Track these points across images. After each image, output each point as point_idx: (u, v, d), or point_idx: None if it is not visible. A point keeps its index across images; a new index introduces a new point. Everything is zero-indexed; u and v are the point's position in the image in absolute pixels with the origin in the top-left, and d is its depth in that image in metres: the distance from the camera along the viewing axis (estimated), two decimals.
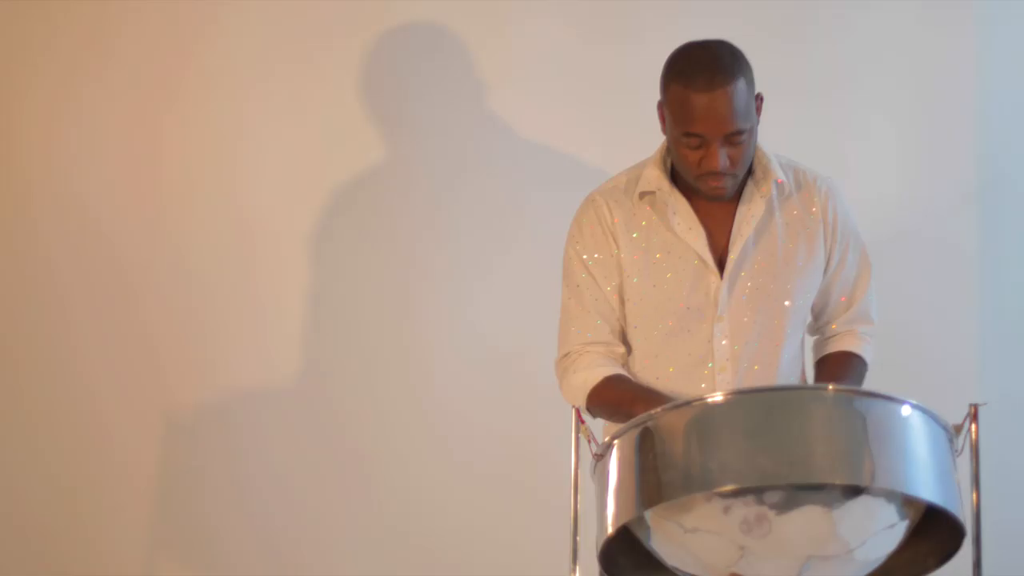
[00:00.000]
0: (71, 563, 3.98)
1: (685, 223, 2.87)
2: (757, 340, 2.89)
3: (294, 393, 4.00)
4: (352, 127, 3.96)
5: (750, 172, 2.89)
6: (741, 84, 2.74)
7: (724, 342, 2.88)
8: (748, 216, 2.87)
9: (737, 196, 2.89)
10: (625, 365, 2.93)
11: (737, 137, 2.76)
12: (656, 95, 3.93)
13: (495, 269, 3.98)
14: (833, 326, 3.04)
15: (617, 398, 2.84)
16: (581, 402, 2.89)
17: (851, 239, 2.98)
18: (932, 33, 3.99)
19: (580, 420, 2.65)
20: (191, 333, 3.98)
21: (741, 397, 2.47)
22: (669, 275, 2.88)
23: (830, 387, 2.51)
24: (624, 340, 2.94)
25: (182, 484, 4.00)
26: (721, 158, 2.76)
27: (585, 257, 2.91)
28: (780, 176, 2.88)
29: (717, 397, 2.46)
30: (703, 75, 2.74)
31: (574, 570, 2.59)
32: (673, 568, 2.59)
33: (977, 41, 3.98)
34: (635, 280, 2.89)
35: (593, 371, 2.89)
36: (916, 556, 2.63)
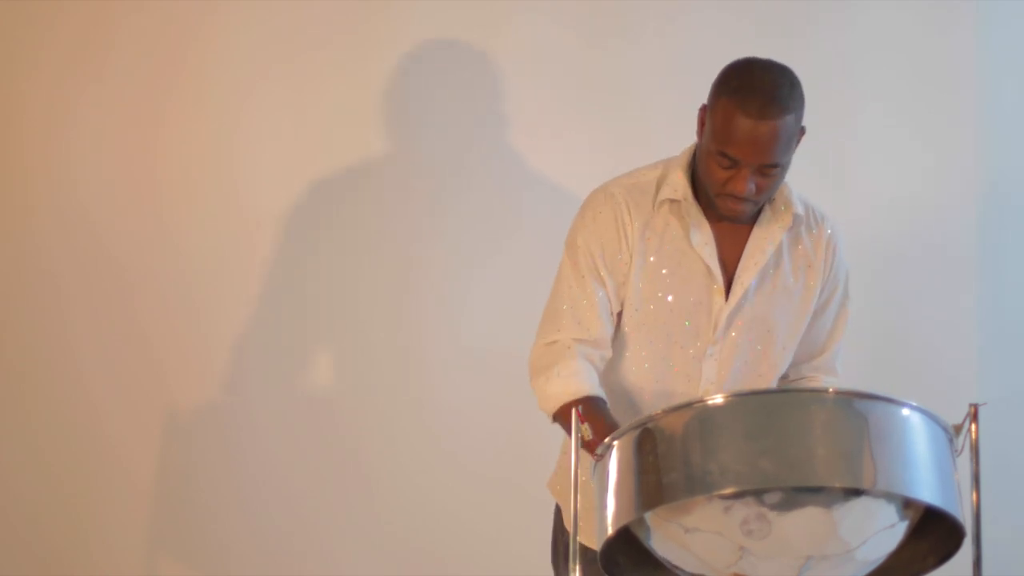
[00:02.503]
0: (71, 563, 3.98)
1: (702, 238, 2.85)
2: (744, 368, 2.89)
3: (293, 393, 4.00)
4: (350, 126, 3.96)
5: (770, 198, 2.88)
6: (791, 119, 2.71)
7: (713, 364, 2.88)
8: (764, 244, 2.86)
9: (752, 218, 2.88)
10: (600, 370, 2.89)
11: (771, 170, 2.74)
12: (655, 94, 3.97)
13: (494, 267, 3.98)
14: (800, 367, 3.02)
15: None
16: (548, 408, 2.84)
17: (840, 287, 2.97)
18: (932, 32, 3.99)
19: (580, 420, 2.65)
20: (190, 333, 3.98)
21: (741, 399, 2.46)
22: (677, 286, 2.86)
23: (831, 389, 2.51)
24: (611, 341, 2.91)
25: (182, 484, 4.00)
26: (748, 185, 2.73)
27: (596, 250, 2.87)
28: (798, 208, 2.88)
29: (717, 399, 2.46)
30: (757, 100, 2.69)
31: (574, 570, 2.59)
32: (673, 568, 2.58)
33: (977, 41, 3.99)
34: (640, 285, 2.87)
35: (573, 384, 2.82)
36: (916, 556, 2.63)
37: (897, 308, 3.94)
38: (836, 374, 3.04)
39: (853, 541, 2.48)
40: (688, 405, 2.48)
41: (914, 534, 2.56)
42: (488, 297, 3.98)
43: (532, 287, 3.93)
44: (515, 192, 3.97)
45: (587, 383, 2.82)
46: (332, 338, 3.99)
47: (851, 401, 2.47)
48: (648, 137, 3.92)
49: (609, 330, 2.89)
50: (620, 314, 2.91)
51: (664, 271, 2.87)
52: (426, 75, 3.95)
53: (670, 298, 2.86)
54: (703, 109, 2.81)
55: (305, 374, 4.00)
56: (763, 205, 2.87)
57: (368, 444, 4.00)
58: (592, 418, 2.68)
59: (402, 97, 3.95)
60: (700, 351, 2.88)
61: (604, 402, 2.83)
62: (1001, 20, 3.98)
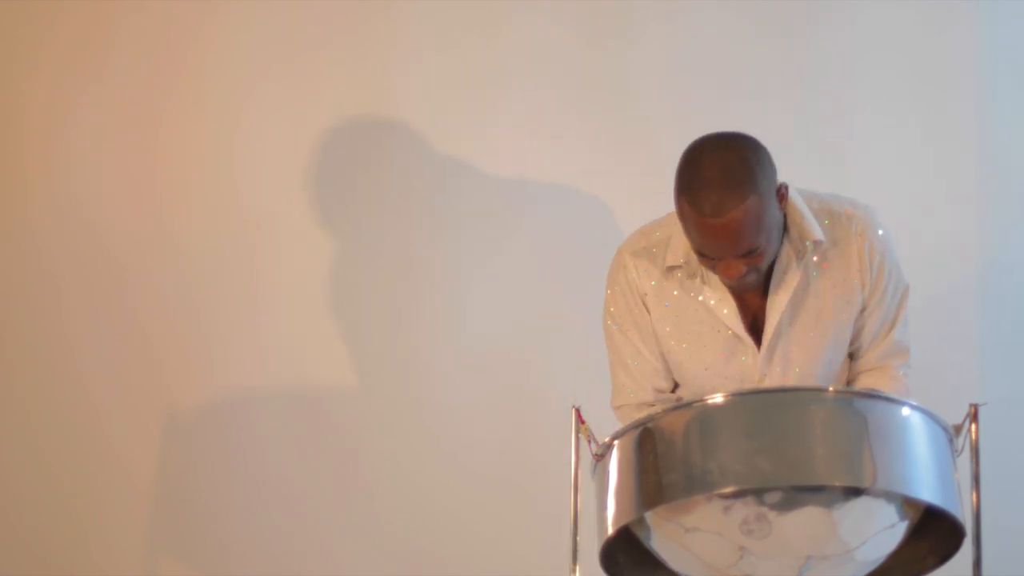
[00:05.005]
0: (71, 563, 3.98)
1: (716, 295, 2.77)
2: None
3: (293, 393, 3.99)
4: (350, 126, 3.96)
5: (784, 230, 2.75)
6: (753, 201, 2.57)
7: None
8: (784, 285, 2.76)
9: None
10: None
11: (753, 252, 2.62)
12: (655, 94, 3.96)
13: (494, 268, 3.98)
14: (866, 357, 2.89)
15: None
16: None
17: (888, 278, 2.83)
18: (932, 32, 3.98)
19: (580, 420, 2.65)
20: (190, 333, 3.98)
21: (741, 398, 2.47)
22: (704, 346, 2.81)
23: (830, 388, 2.51)
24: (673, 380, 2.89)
25: (182, 484, 4.00)
26: (737, 268, 2.64)
27: (619, 321, 2.85)
28: (817, 235, 2.74)
29: (717, 398, 2.46)
30: (711, 198, 2.56)
31: (574, 570, 2.59)
32: (673, 568, 2.59)
33: (977, 40, 3.98)
34: (669, 347, 2.83)
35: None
36: (916, 556, 2.63)
37: None
38: (906, 354, 2.89)
39: (853, 541, 2.49)
40: (688, 405, 2.48)
41: (914, 534, 2.56)
42: (488, 297, 3.97)
43: (532, 287, 3.95)
44: (515, 192, 3.97)
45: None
46: (332, 338, 3.99)
47: (851, 400, 2.47)
48: (648, 137, 3.92)
49: (657, 386, 2.87)
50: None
51: (688, 333, 2.81)
52: (426, 75, 3.95)
53: (702, 356, 2.81)
54: None
55: (305, 374, 3.99)
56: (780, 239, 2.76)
57: (368, 444, 4.00)
58: None
59: (402, 97, 3.95)
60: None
61: None
62: (1001, 20, 3.98)
